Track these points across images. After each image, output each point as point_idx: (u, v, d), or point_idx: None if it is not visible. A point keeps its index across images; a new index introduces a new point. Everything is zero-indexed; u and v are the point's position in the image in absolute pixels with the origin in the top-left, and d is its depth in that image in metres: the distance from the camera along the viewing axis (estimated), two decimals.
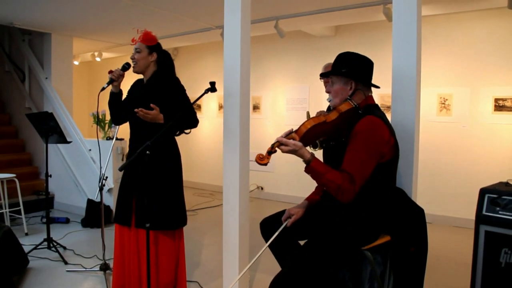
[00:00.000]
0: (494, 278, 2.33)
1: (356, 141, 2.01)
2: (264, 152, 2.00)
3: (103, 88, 2.81)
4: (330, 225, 2.11)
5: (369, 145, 2.00)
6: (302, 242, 2.33)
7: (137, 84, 2.99)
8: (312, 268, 2.00)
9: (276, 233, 2.21)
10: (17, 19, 5.61)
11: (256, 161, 1.98)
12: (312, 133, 2.04)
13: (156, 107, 2.66)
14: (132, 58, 2.84)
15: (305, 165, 2.03)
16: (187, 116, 2.80)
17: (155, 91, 2.81)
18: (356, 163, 1.98)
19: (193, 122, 2.87)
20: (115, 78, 2.81)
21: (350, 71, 2.15)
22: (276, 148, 1.99)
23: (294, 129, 2.04)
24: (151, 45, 2.86)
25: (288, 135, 2.01)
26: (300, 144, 1.98)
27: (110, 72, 2.81)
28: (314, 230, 2.16)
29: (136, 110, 2.63)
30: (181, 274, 2.92)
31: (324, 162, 2.30)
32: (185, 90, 2.89)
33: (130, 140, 2.93)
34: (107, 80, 2.81)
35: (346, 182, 1.94)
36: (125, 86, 2.84)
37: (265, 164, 1.97)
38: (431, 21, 5.32)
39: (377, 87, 2.21)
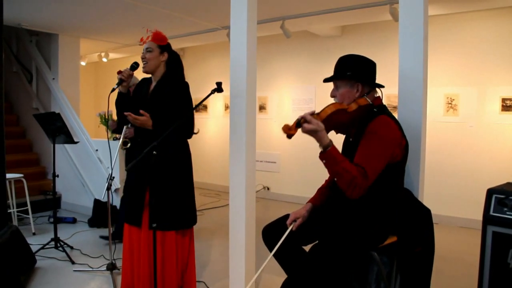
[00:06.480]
0: (501, 279, 2.31)
1: (371, 138, 2.01)
2: (290, 123, 1.90)
3: (113, 89, 2.78)
4: (340, 228, 2.08)
5: (384, 143, 2.00)
6: (305, 246, 2.31)
7: (144, 83, 2.94)
8: (322, 272, 1.99)
9: (283, 238, 2.11)
10: (24, 20, 5.65)
11: (284, 130, 1.89)
12: (333, 119, 1.99)
13: (146, 113, 2.67)
14: (143, 58, 2.79)
15: (320, 150, 1.96)
16: (183, 127, 2.76)
17: (164, 94, 2.78)
18: (370, 158, 1.97)
19: (186, 134, 2.84)
20: (125, 79, 2.78)
21: (356, 73, 2.14)
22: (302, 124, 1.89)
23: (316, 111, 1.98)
24: (162, 44, 2.83)
25: (312, 115, 1.93)
26: (322, 125, 1.92)
27: (119, 72, 2.77)
28: (323, 233, 2.12)
29: (125, 113, 2.65)
30: (190, 274, 2.92)
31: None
32: (191, 98, 2.87)
33: (135, 140, 2.93)
34: (114, 80, 2.78)
35: (360, 175, 1.91)
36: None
37: (291, 136, 1.87)
38: (437, 21, 5.29)
39: (382, 86, 2.21)
